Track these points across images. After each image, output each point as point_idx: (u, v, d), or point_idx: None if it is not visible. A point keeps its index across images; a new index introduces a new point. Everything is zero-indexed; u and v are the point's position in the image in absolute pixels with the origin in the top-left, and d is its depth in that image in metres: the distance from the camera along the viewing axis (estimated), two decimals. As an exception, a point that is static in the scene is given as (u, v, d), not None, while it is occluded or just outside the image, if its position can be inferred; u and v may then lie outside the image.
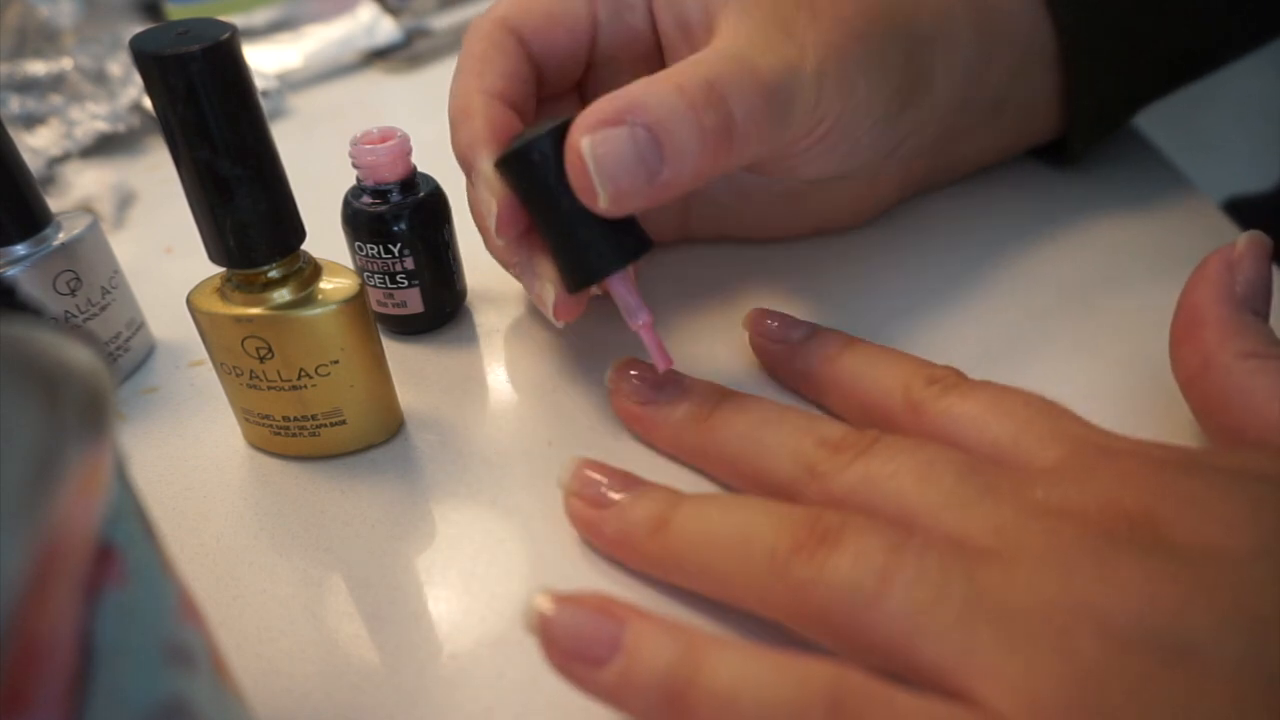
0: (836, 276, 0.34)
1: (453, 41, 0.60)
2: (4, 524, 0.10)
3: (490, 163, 0.26)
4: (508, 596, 0.24)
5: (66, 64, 0.52)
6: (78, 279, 0.31)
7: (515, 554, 0.25)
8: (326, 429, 0.28)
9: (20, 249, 0.30)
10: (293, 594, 0.25)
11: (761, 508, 0.22)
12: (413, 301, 0.32)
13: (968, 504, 0.20)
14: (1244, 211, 0.53)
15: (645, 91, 0.24)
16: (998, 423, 0.23)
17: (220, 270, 0.26)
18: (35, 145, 0.48)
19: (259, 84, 0.51)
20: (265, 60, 0.57)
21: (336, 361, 0.26)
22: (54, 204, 0.36)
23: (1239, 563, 0.17)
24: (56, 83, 0.52)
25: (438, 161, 0.33)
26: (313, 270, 0.26)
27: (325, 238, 0.30)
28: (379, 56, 0.58)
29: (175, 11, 0.64)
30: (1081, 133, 0.36)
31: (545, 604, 0.19)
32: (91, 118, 0.50)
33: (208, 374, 0.33)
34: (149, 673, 0.14)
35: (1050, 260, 0.34)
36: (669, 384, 0.27)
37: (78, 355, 0.13)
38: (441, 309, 0.33)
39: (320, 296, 0.26)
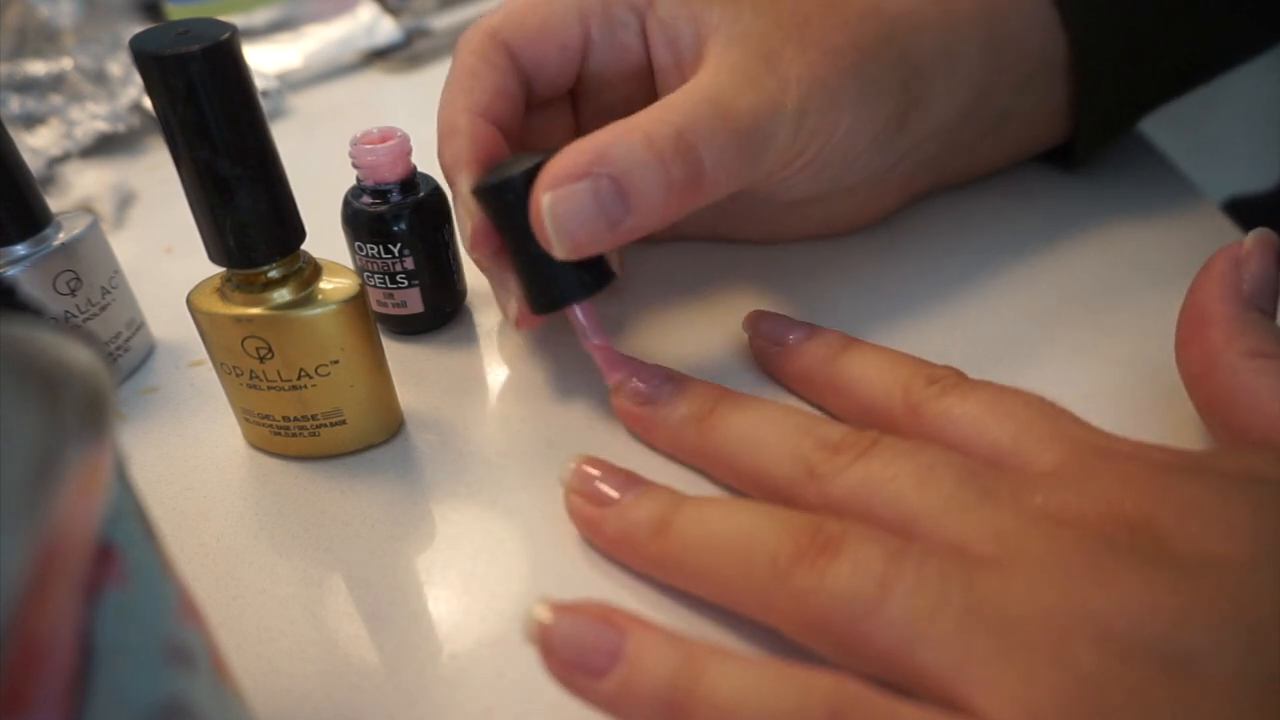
0: (837, 278, 0.34)
1: (453, 41, 0.59)
2: (4, 524, 0.10)
3: (469, 185, 0.28)
4: (508, 596, 0.24)
5: (66, 64, 0.52)
6: (78, 279, 0.31)
7: (515, 554, 0.25)
8: (326, 429, 0.28)
9: (20, 249, 0.30)
10: (293, 594, 0.25)
11: (763, 513, 0.22)
12: (413, 301, 0.32)
13: (967, 509, 0.20)
14: (1244, 212, 0.53)
15: (614, 142, 0.25)
16: (997, 424, 0.23)
17: (220, 270, 0.26)
18: (35, 145, 0.48)
19: (259, 84, 0.51)
20: (265, 60, 0.57)
21: (336, 361, 0.26)
22: (54, 204, 0.36)
23: (1238, 570, 0.17)
24: (56, 83, 0.52)
25: (437, 162, 0.33)
26: (313, 270, 0.26)
27: (325, 238, 0.30)
28: (379, 56, 0.58)
29: (175, 11, 0.64)
30: (1088, 140, 0.36)
31: (544, 613, 0.19)
32: (91, 118, 0.50)
33: (208, 374, 0.33)
34: (149, 673, 0.14)
35: (1051, 262, 0.34)
36: (669, 384, 0.27)
37: (78, 355, 0.13)
38: (441, 309, 0.33)
39: (320, 296, 0.26)
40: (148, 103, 0.29)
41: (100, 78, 0.52)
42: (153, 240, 0.42)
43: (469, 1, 0.65)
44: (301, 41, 0.59)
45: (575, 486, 0.25)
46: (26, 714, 0.11)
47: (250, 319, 0.25)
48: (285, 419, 0.27)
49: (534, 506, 0.26)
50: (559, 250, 0.25)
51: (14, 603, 0.10)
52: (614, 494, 0.24)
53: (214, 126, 0.22)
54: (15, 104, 0.50)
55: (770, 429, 0.24)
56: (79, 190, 0.45)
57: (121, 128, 0.50)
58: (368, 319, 0.27)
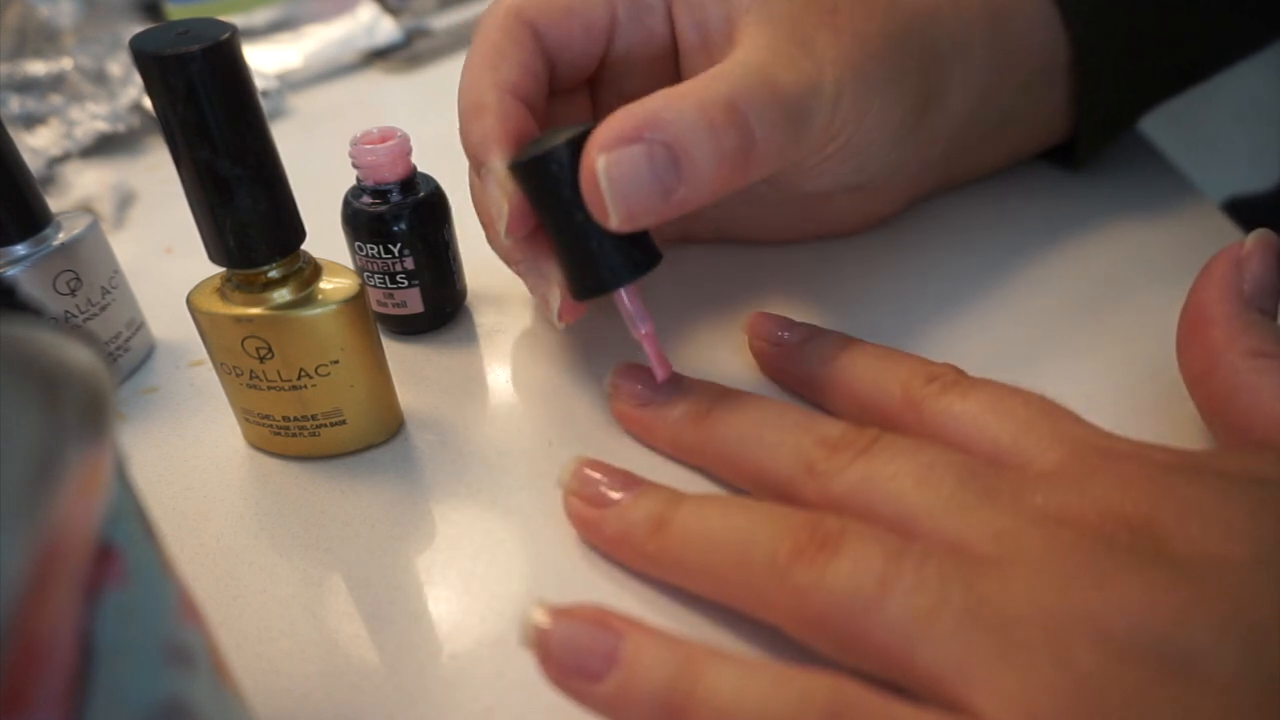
0: (839, 278, 0.34)
1: (453, 41, 0.60)
2: (4, 524, 0.10)
3: (503, 162, 0.26)
4: (508, 596, 0.24)
5: (66, 64, 0.52)
6: (78, 279, 0.31)
7: (515, 554, 0.25)
8: (326, 429, 0.28)
9: (20, 249, 0.30)
10: (293, 594, 0.25)
11: (762, 511, 0.22)
12: (413, 301, 0.32)
13: (967, 509, 0.20)
14: (1244, 212, 0.54)
15: (666, 107, 0.24)
16: (998, 422, 0.23)
17: (220, 270, 0.26)
18: (35, 145, 0.48)
19: (259, 84, 0.51)
20: (265, 60, 0.57)
21: (336, 361, 0.26)
22: (54, 204, 0.36)
23: (1238, 570, 0.17)
24: (56, 83, 0.52)
25: (438, 161, 0.33)
26: (313, 270, 0.26)
27: (325, 238, 0.30)
28: (379, 56, 0.58)
29: (175, 11, 0.64)
30: (1089, 139, 0.36)
31: (541, 617, 0.19)
32: (91, 118, 0.50)
33: (208, 374, 0.33)
34: (149, 673, 0.14)
35: (1051, 262, 0.34)
36: (667, 384, 0.27)
37: (78, 355, 0.13)
38: (441, 309, 0.33)
39: (320, 296, 0.26)
40: (148, 103, 0.29)
41: (100, 78, 0.52)
42: (153, 240, 0.42)
43: (469, 1, 0.65)
44: (301, 41, 0.59)
45: (574, 489, 0.25)
46: (26, 714, 0.11)
47: (250, 319, 0.25)
48: (285, 419, 0.27)
49: (534, 506, 0.26)
50: (615, 219, 0.24)
51: (14, 603, 0.10)
52: (613, 495, 0.24)
53: (214, 126, 0.22)
54: (15, 104, 0.50)
55: (770, 426, 0.24)
56: (79, 190, 0.45)
57: (121, 128, 0.50)
58: (368, 319, 0.27)
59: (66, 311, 0.31)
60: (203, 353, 0.31)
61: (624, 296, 0.26)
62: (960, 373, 0.25)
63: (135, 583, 0.14)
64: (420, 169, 0.31)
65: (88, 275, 0.31)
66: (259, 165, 0.24)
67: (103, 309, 0.32)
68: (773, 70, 0.25)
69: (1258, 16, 0.37)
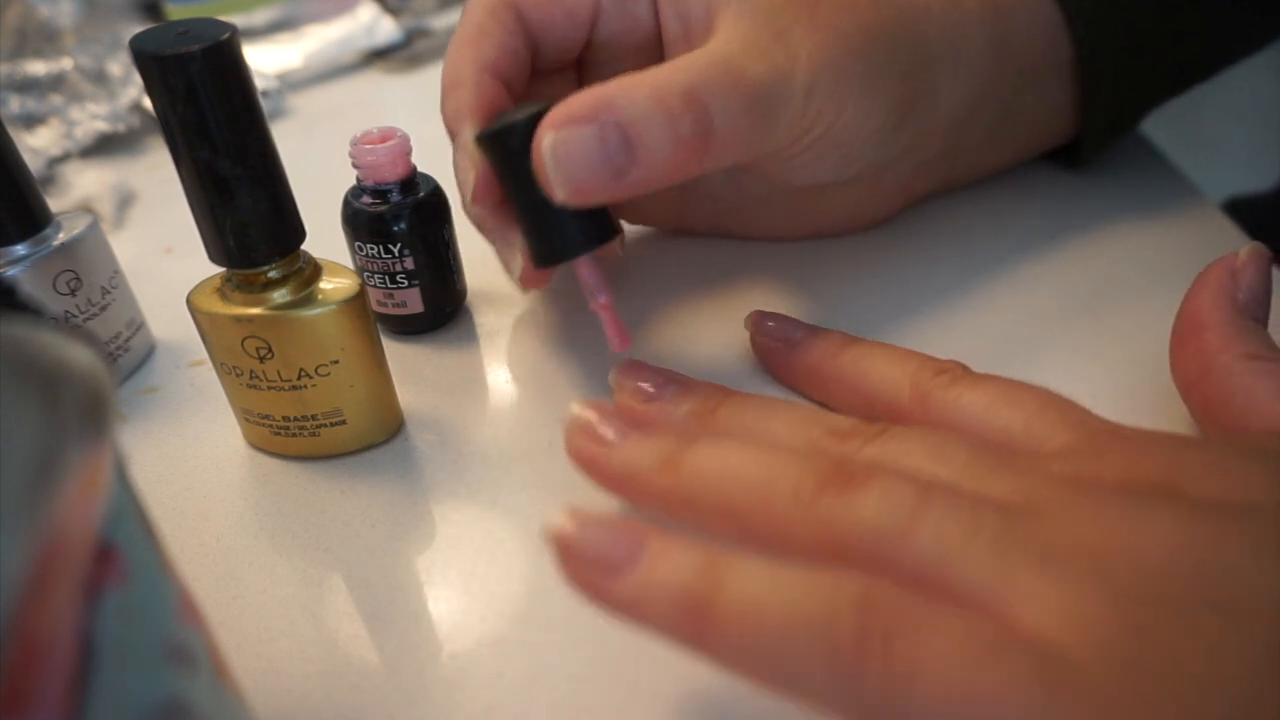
0: (838, 277, 0.34)
1: (453, 41, 0.60)
2: (4, 524, 0.10)
3: (472, 135, 0.27)
4: (508, 596, 0.24)
5: (66, 64, 0.52)
6: (78, 279, 0.31)
7: (515, 554, 0.25)
8: (326, 429, 0.28)
9: (20, 249, 0.30)
10: (293, 594, 0.25)
11: (783, 450, 0.21)
12: (413, 301, 0.32)
13: (985, 475, 0.20)
14: (1244, 212, 0.53)
15: (621, 92, 0.24)
16: (1009, 411, 0.22)
17: (220, 270, 0.26)
18: (35, 145, 0.48)
19: (259, 84, 0.51)
20: (265, 60, 0.57)
21: (336, 361, 0.26)
22: (54, 204, 0.36)
23: (1264, 509, 0.17)
24: (56, 83, 0.52)
25: (438, 161, 0.33)
26: (313, 270, 0.26)
27: (325, 238, 0.30)
28: (379, 56, 0.58)
29: (175, 11, 0.64)
30: (1093, 139, 0.36)
31: (564, 518, 0.19)
32: (91, 118, 0.50)
33: (208, 374, 0.33)
34: (149, 673, 0.14)
35: (1051, 262, 0.34)
36: (672, 384, 0.27)
37: (78, 355, 0.13)
38: (441, 309, 0.33)
39: (320, 296, 0.26)
40: (148, 103, 0.29)
41: (100, 78, 0.52)
42: (153, 240, 0.42)
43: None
44: (301, 41, 0.59)
45: (578, 427, 0.23)
46: (26, 714, 0.11)
47: (250, 319, 0.25)
48: (285, 419, 0.27)
49: (534, 506, 0.26)
50: (559, 192, 0.24)
51: (14, 603, 0.10)
52: (618, 436, 0.23)
53: (214, 126, 0.22)
54: (15, 104, 0.50)
55: (778, 422, 0.24)
56: (79, 190, 0.45)
57: (121, 128, 0.50)
58: (368, 319, 0.27)
59: (66, 311, 0.31)
60: (203, 353, 0.31)
61: (582, 269, 0.27)
62: (966, 368, 0.25)
63: (135, 583, 0.14)
64: (420, 169, 0.31)
65: (88, 275, 0.31)
66: (259, 165, 0.24)
67: (103, 309, 0.32)
68: (740, 61, 0.26)
69: (1261, 11, 0.37)
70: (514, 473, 0.28)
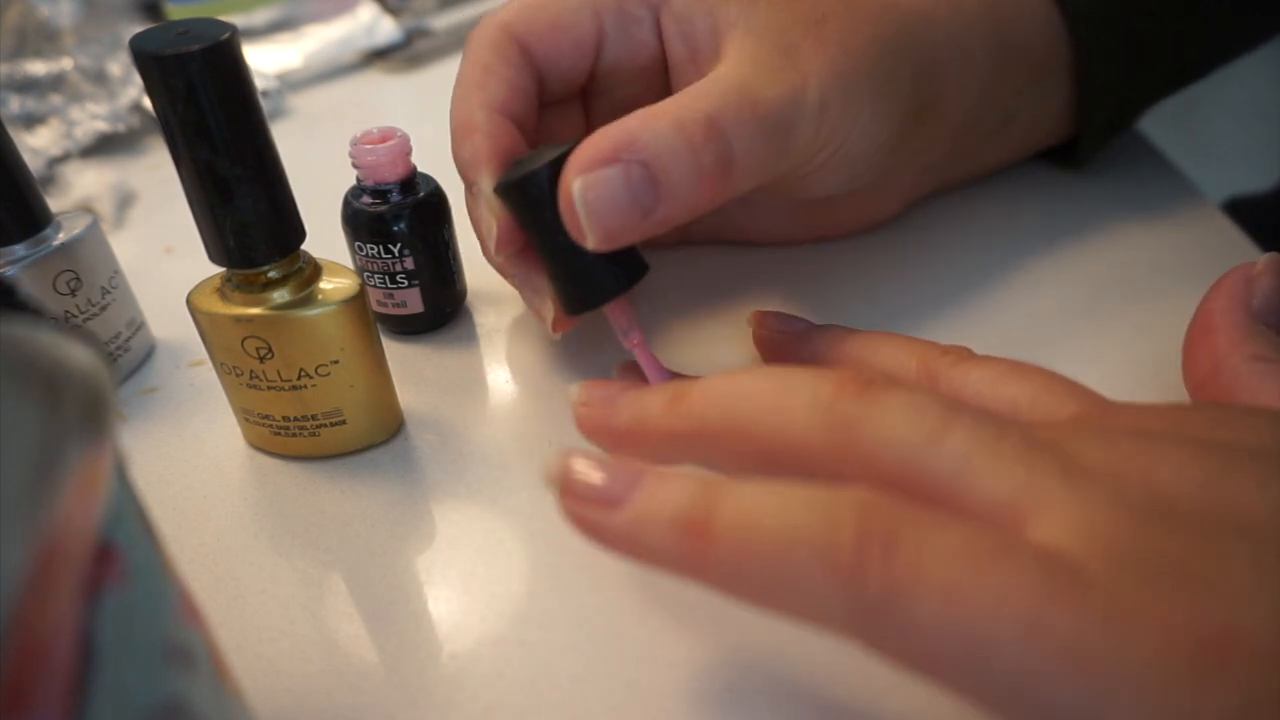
0: (839, 279, 0.34)
1: (453, 41, 0.60)
2: (4, 524, 0.10)
3: (490, 183, 0.27)
4: (508, 596, 0.24)
5: (66, 64, 0.52)
6: (78, 279, 0.31)
7: (515, 554, 0.25)
8: (326, 429, 0.28)
9: (20, 249, 0.30)
10: (293, 594, 0.25)
11: (796, 372, 0.20)
12: (413, 301, 0.32)
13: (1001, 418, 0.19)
14: (1244, 212, 0.54)
15: (643, 127, 0.24)
16: (1016, 385, 0.22)
17: (220, 270, 0.26)
18: (35, 145, 0.48)
19: (259, 84, 0.51)
20: (265, 60, 0.57)
21: (336, 361, 0.26)
22: (54, 204, 0.36)
23: (1271, 451, 0.17)
24: (56, 83, 0.52)
25: (438, 161, 0.33)
26: (313, 270, 0.26)
27: (325, 238, 0.30)
28: (379, 56, 0.58)
29: (175, 11, 0.64)
30: (1091, 139, 0.36)
31: (564, 458, 0.19)
32: (91, 118, 0.50)
33: (208, 374, 0.33)
34: (149, 673, 0.14)
35: (1051, 262, 0.34)
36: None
37: (78, 355, 0.13)
38: (441, 309, 0.33)
39: (320, 296, 0.26)
40: (148, 103, 0.29)
41: (100, 78, 0.52)
42: (153, 240, 0.42)
43: (469, 1, 0.65)
44: (301, 41, 0.59)
45: (583, 399, 0.23)
46: (26, 714, 0.11)
47: (250, 319, 0.25)
48: (285, 419, 0.27)
49: (534, 506, 0.26)
50: (591, 240, 0.24)
51: (14, 603, 0.10)
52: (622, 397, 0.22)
53: (214, 126, 0.22)
54: (15, 104, 0.50)
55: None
56: (79, 190, 0.45)
57: (121, 128, 0.50)
58: (368, 319, 0.27)
59: (66, 311, 0.31)
60: (203, 353, 0.31)
61: (613, 311, 0.26)
62: (971, 351, 0.25)
63: (135, 583, 0.14)
64: (420, 169, 0.31)
65: (88, 275, 0.31)
66: (259, 165, 0.24)
67: (103, 309, 0.32)
68: (753, 85, 0.25)
69: (1258, 9, 0.37)
70: (514, 473, 0.28)
